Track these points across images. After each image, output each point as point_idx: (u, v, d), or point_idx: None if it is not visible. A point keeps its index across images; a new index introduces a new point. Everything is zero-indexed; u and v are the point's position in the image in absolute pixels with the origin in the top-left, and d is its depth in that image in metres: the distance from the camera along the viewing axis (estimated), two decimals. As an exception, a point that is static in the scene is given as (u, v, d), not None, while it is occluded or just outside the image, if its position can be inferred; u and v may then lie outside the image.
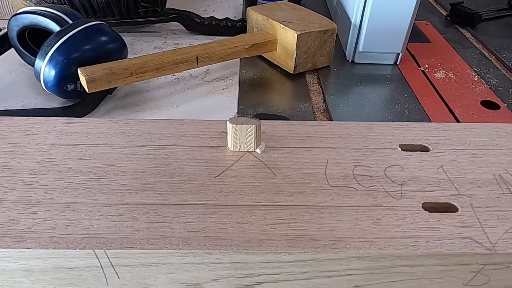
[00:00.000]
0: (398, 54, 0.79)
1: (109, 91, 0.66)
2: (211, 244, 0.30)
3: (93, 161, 0.37)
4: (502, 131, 0.42)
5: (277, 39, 0.75)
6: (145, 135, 0.40)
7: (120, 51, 0.67)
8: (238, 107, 0.67)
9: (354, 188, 0.35)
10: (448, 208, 0.34)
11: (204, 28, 0.87)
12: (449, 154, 0.39)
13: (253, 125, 0.37)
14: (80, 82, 0.60)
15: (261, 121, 0.39)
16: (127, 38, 0.86)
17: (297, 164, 0.38)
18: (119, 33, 0.66)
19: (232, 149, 0.39)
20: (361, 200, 0.34)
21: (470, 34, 0.94)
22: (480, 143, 0.41)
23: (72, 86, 0.62)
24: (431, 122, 0.66)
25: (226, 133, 0.39)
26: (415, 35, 0.91)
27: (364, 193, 0.35)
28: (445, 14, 1.01)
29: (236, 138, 0.38)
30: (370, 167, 0.38)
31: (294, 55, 0.72)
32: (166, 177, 0.36)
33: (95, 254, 0.29)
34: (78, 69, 0.60)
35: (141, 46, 0.84)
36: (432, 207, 0.34)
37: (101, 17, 0.85)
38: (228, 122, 0.37)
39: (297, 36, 0.70)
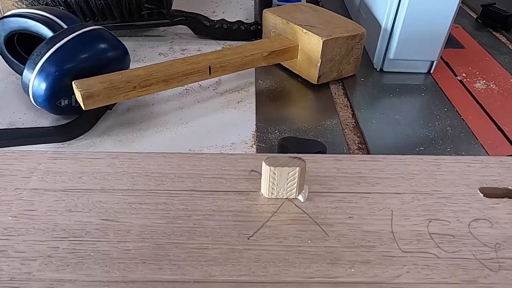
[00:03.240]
0: (433, 62, 0.69)
1: (109, 107, 0.56)
2: None
3: (87, 214, 0.28)
4: None
5: (298, 45, 0.65)
6: (154, 176, 0.31)
7: (121, 60, 0.57)
8: (256, 124, 0.57)
9: (435, 255, 0.25)
10: None
11: (214, 32, 0.77)
12: None
13: (297, 168, 0.27)
14: (75, 96, 0.50)
15: (304, 155, 0.29)
16: (129, 43, 0.75)
17: (354, 218, 0.28)
18: (119, 39, 0.56)
19: (267, 196, 0.29)
20: (448, 274, 0.24)
21: (505, 38, 0.84)
22: None
23: (66, 101, 0.52)
24: (478, 142, 0.56)
25: (258, 173, 0.29)
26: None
27: (450, 263, 0.25)
28: (475, 17, 0.91)
29: (273, 184, 0.28)
30: (449, 222, 0.28)
31: (318, 64, 0.62)
32: (183, 238, 0.26)
33: None
34: (73, 82, 0.50)
35: (144, 52, 0.74)
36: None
37: (100, 20, 0.75)
38: (263, 163, 0.28)
39: (323, 42, 0.60)
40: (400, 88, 0.67)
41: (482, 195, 0.31)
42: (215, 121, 0.58)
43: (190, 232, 0.27)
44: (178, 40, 0.79)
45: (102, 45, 0.56)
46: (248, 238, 0.27)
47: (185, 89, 0.65)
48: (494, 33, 0.86)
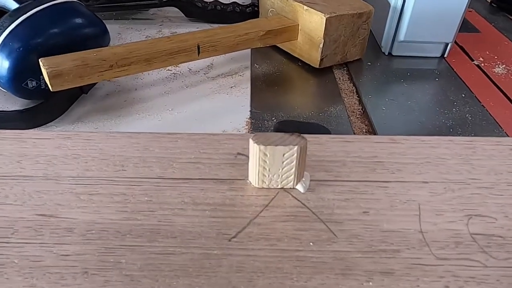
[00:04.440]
0: (447, 44, 0.61)
1: (84, 90, 0.49)
2: None
3: (19, 207, 0.20)
4: None
5: (298, 25, 0.57)
6: (113, 161, 0.23)
7: (99, 38, 0.50)
8: (251, 111, 0.50)
9: (481, 263, 0.18)
10: None
11: (206, 14, 0.69)
12: None
13: (296, 147, 0.19)
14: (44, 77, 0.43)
15: (305, 135, 0.21)
16: (114, 26, 0.68)
17: (369, 213, 0.20)
18: (105, 22, 0.49)
19: (256, 186, 0.22)
20: (500, 290, 0.17)
21: (523, 23, 0.76)
22: None
23: (34, 83, 0.45)
24: (502, 130, 0.48)
25: (246, 156, 0.21)
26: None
27: (502, 273, 0.17)
28: (489, 0, 0.83)
29: (264, 169, 0.20)
30: (496, 219, 0.20)
31: (321, 45, 0.55)
32: (142, 239, 0.19)
33: None
34: (40, 60, 0.42)
35: (130, 35, 0.67)
36: None
37: (83, 1, 0.67)
38: (251, 141, 0.20)
39: (326, 20, 0.53)
40: (411, 73, 0.60)
41: None
42: (205, 108, 0.51)
43: (153, 231, 0.20)
44: (168, 23, 0.72)
45: (76, 20, 0.48)
46: (229, 240, 0.19)
47: (173, 73, 0.58)
48: (510, 17, 0.79)
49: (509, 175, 0.24)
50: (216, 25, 0.67)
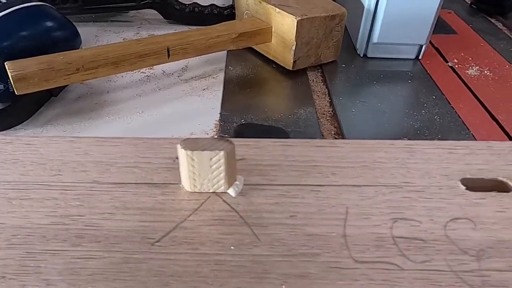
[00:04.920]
0: (422, 46, 0.61)
1: (53, 93, 0.49)
2: None
3: None
4: None
5: (272, 27, 0.57)
6: (51, 165, 0.23)
7: (69, 41, 0.50)
8: (220, 113, 0.50)
9: (398, 266, 0.18)
10: None
11: (184, 16, 0.70)
12: None
13: (221, 153, 0.20)
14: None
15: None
16: (92, 28, 0.69)
17: (296, 217, 0.21)
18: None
19: (189, 190, 0.22)
20: (414, 293, 0.17)
21: (501, 24, 0.76)
22: None
23: (2, 86, 0.45)
24: (469, 132, 0.49)
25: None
26: (437, 25, 0.74)
27: (417, 276, 0.18)
28: (469, 2, 0.83)
29: (194, 173, 0.21)
30: (420, 223, 0.20)
31: (293, 47, 0.55)
32: (66, 244, 0.19)
33: None
34: (5, 63, 0.42)
35: (107, 37, 0.67)
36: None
37: (60, 3, 0.67)
38: (178, 146, 0.20)
39: (297, 22, 0.53)
40: (385, 75, 0.60)
41: (464, 188, 0.24)
42: (175, 110, 0.51)
43: (79, 236, 0.20)
44: (147, 25, 0.72)
45: (46, 23, 0.49)
46: (153, 244, 0.20)
47: (147, 75, 0.58)
48: (489, 18, 0.79)
49: (442, 179, 0.25)
50: (194, 27, 0.68)
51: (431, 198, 0.23)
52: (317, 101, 0.55)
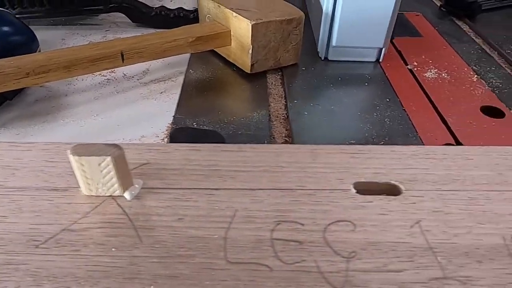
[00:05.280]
0: (381, 49, 0.62)
1: (8, 96, 0.50)
2: None
3: None
4: None
5: (230, 31, 0.58)
6: None
7: (25, 46, 0.51)
8: (174, 116, 0.51)
9: (268, 267, 0.19)
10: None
11: (151, 20, 0.71)
12: (432, 199, 0.23)
13: (108, 158, 0.21)
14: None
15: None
16: (60, 32, 0.70)
17: (184, 220, 0.22)
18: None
19: (86, 194, 0.23)
20: (275, 293, 0.18)
21: (468, 27, 0.77)
22: (480, 180, 0.24)
23: (-45, 90, 0.46)
24: (416, 134, 0.49)
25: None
26: (403, 28, 0.75)
27: (283, 276, 0.19)
28: (439, 4, 0.84)
29: (86, 178, 0.22)
30: (302, 225, 0.21)
31: (250, 51, 0.56)
32: None
33: None
34: (-45, 68, 0.43)
35: (74, 41, 0.68)
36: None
37: (28, 7, 0.68)
38: (68, 151, 0.21)
39: (252, 26, 0.54)
40: (343, 78, 0.61)
41: (355, 191, 0.25)
42: (130, 113, 0.52)
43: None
44: (115, 28, 0.73)
45: (1, 29, 0.49)
46: (37, 246, 0.21)
47: (107, 78, 0.59)
48: (457, 21, 0.80)
49: (336, 182, 0.25)
50: (162, 31, 0.68)
51: (319, 202, 0.24)
52: (272, 104, 0.56)
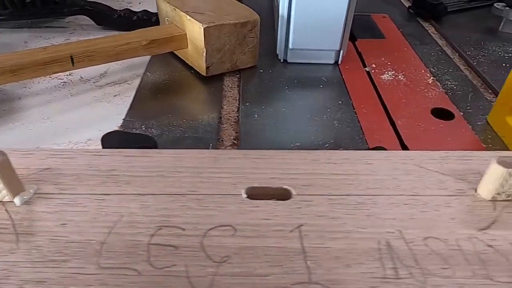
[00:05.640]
0: (339, 51, 0.62)
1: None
2: None
3: None
4: (413, 163, 0.26)
5: (186, 34, 0.59)
6: None
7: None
8: (124, 119, 0.51)
9: (137, 272, 0.19)
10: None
11: (115, 23, 0.71)
12: (320, 204, 0.23)
13: None
14: None
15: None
16: (24, 35, 0.70)
17: (67, 226, 0.22)
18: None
19: None
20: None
21: (433, 29, 0.77)
22: (374, 184, 0.25)
23: None
24: (362, 136, 0.50)
25: None
26: (367, 29, 0.75)
27: (150, 280, 0.19)
28: (407, 6, 0.84)
29: None
30: (183, 230, 0.22)
31: (204, 54, 0.56)
32: None
33: None
34: None
35: (37, 44, 0.69)
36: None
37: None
38: None
39: (204, 29, 0.54)
40: (299, 80, 0.61)
41: (245, 196, 0.25)
42: (81, 116, 0.53)
43: None
44: (79, 31, 0.74)
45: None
46: None
47: (63, 81, 0.59)
48: (423, 23, 0.80)
49: (231, 187, 0.26)
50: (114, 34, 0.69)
51: (207, 207, 0.24)
52: (225, 107, 0.56)
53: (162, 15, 0.65)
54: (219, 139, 0.51)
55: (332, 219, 0.24)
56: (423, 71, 0.63)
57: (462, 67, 0.65)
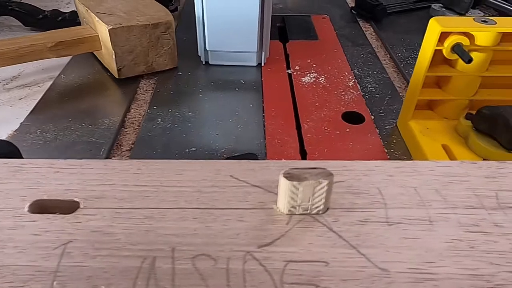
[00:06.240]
0: (261, 53, 0.61)
1: None
2: None
3: None
4: (226, 173, 0.25)
5: (98, 35, 0.57)
6: None
7: None
8: (21, 123, 0.50)
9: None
10: None
11: (41, 23, 0.70)
12: (102, 217, 0.22)
13: None
14: None
15: None
16: None
17: None
18: None
19: None
20: None
21: (372, 30, 0.76)
22: (172, 197, 0.23)
23: None
24: (263, 141, 0.48)
25: None
26: (303, 30, 0.74)
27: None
28: (351, 7, 0.83)
29: None
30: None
31: (113, 56, 0.55)
32: None
33: None
34: None
35: (-43, 45, 0.66)
36: None
37: None
38: None
39: (109, 31, 0.53)
40: (216, 83, 0.60)
41: (27, 210, 0.24)
42: (-20, 120, 0.51)
43: None
44: (7, 32, 0.72)
45: None
46: None
47: (-28, 84, 0.58)
48: (362, 24, 0.78)
49: (16, 199, 0.24)
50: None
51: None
52: (133, 110, 0.55)
53: (80, 16, 0.63)
54: (118, 143, 0.49)
55: (106, 234, 0.22)
56: (346, 73, 0.61)
57: (390, 69, 0.63)
